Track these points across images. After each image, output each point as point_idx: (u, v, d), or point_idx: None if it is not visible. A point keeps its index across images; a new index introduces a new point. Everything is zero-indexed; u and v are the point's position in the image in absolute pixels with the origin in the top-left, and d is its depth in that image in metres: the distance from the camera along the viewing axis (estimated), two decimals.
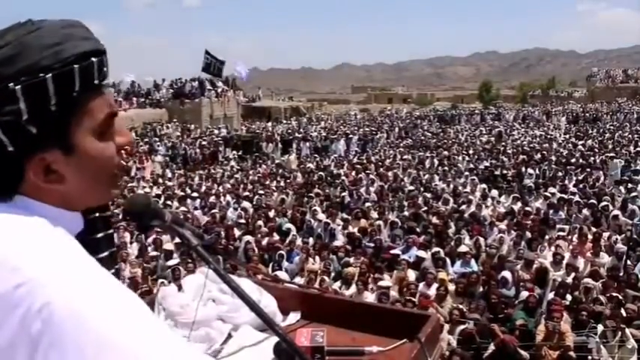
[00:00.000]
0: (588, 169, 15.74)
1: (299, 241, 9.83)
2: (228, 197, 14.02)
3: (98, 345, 0.65)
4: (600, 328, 6.28)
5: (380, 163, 18.27)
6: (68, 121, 0.77)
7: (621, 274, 8.11)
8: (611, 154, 11.92)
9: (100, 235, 1.32)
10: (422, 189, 13.89)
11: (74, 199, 0.82)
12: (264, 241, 9.87)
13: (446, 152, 20.05)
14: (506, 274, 7.95)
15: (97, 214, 1.27)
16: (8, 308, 0.65)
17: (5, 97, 0.71)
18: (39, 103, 0.73)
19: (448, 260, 8.72)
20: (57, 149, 0.77)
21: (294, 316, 1.70)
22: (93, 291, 0.69)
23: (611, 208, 11.33)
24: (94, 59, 0.78)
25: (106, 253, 1.35)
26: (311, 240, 9.91)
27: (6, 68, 0.72)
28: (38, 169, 0.76)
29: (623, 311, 6.60)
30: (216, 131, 26.97)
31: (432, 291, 7.44)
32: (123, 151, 0.88)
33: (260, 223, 10.91)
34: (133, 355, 0.66)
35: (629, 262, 8.38)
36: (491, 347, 6.00)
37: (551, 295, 7.24)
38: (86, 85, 0.77)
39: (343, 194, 13.40)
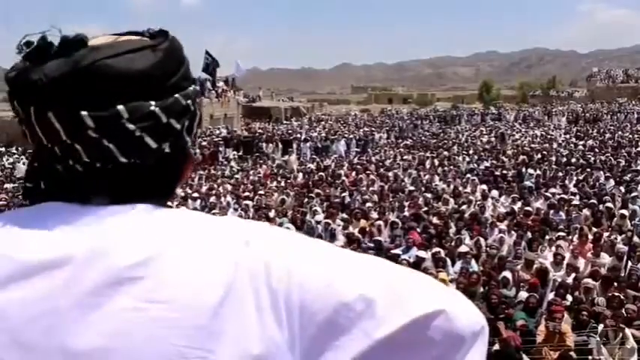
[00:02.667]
0: (588, 170, 15.75)
1: None
2: (229, 197, 14.03)
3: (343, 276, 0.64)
4: (601, 328, 6.28)
5: (380, 164, 18.29)
6: None
7: (622, 274, 8.11)
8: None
9: None
10: (422, 189, 13.90)
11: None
12: None
13: (446, 152, 20.06)
14: (507, 274, 7.96)
15: None
16: (247, 270, 0.62)
17: (191, 102, 0.73)
18: (195, 101, 0.75)
19: (449, 260, 8.73)
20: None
21: None
22: (303, 243, 0.68)
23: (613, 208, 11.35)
24: None
25: None
26: None
27: (191, 72, 0.75)
28: (191, 162, 0.79)
29: (623, 311, 6.60)
30: (216, 131, 26.99)
31: None
32: None
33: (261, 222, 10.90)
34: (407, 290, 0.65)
35: (630, 262, 8.38)
36: (494, 347, 6.00)
37: (551, 296, 7.25)
38: None
39: (343, 194, 13.40)
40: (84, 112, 0.63)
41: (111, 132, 0.64)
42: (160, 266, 0.61)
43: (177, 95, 0.69)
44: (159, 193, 0.72)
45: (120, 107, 0.64)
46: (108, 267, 0.60)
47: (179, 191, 15.29)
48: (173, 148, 0.70)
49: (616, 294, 6.99)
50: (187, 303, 0.60)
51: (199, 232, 0.66)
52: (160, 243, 0.63)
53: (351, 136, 25.64)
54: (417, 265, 8.51)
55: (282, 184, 15.99)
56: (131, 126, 0.64)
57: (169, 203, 0.76)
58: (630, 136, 23.99)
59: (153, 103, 0.66)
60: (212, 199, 13.76)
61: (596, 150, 19.79)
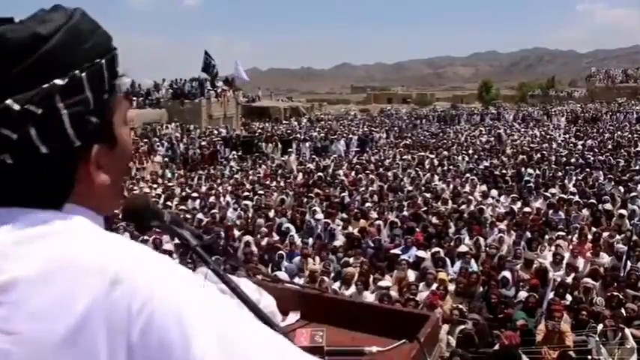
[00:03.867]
0: (588, 169, 15.75)
1: (298, 242, 9.83)
2: (228, 197, 14.03)
3: (202, 336, 0.60)
4: (600, 327, 6.28)
5: (379, 164, 18.28)
6: (113, 111, 0.72)
7: (621, 274, 8.11)
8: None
9: None
10: (422, 189, 13.90)
11: (106, 198, 0.75)
12: (264, 242, 9.87)
13: (445, 152, 20.06)
14: (507, 274, 7.96)
15: None
16: (105, 312, 0.59)
17: (73, 87, 0.65)
18: (98, 90, 0.68)
19: (448, 260, 8.73)
20: (105, 142, 0.71)
21: (293, 316, 1.70)
22: (185, 284, 0.65)
23: (612, 207, 11.36)
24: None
25: None
26: (310, 240, 9.91)
27: (67, 56, 0.65)
28: (93, 166, 0.70)
29: (623, 311, 6.60)
30: (215, 131, 26.97)
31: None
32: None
33: (260, 222, 10.92)
34: (243, 349, 0.63)
35: (629, 262, 8.38)
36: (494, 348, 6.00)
37: (551, 295, 7.25)
38: (117, 71, 0.74)
39: (343, 194, 13.40)
40: None
41: None
42: (18, 294, 0.58)
43: (8, 101, 0.61)
44: (37, 199, 0.66)
45: None
46: None
47: (178, 192, 15.30)
48: (19, 158, 0.63)
49: (615, 293, 6.99)
50: (33, 338, 0.57)
51: (65, 258, 0.61)
52: (22, 265, 0.60)
53: (351, 135, 25.63)
54: (417, 265, 8.52)
55: (282, 183, 15.98)
56: None
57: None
58: (629, 135, 23.99)
59: None
60: (211, 198, 13.75)
61: (596, 150, 19.78)
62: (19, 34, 0.63)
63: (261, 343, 0.65)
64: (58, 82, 0.64)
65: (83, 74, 0.66)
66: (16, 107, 0.61)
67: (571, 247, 9.26)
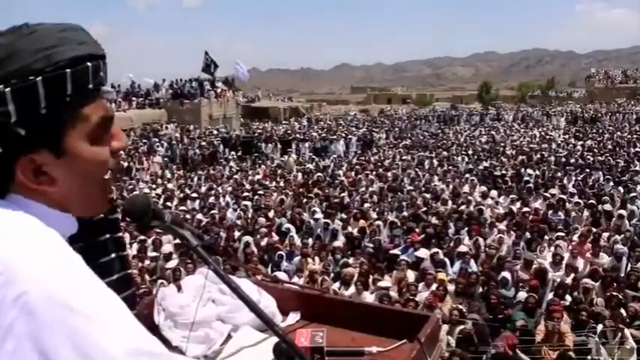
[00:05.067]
0: (587, 170, 15.76)
1: (298, 242, 9.83)
2: (228, 198, 14.02)
3: (73, 331, 0.67)
4: (600, 327, 6.28)
5: (379, 164, 18.28)
6: (60, 125, 0.77)
7: (622, 274, 8.12)
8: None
9: (106, 237, 1.31)
10: (421, 189, 13.90)
11: (67, 201, 0.82)
12: (264, 242, 9.87)
13: (445, 153, 20.07)
14: (506, 274, 7.96)
15: (103, 216, 1.26)
16: None
17: None
18: (29, 105, 0.73)
19: (447, 260, 8.73)
20: (47, 151, 0.77)
21: (293, 317, 1.70)
22: (68, 280, 0.70)
23: (611, 208, 11.36)
24: (89, 64, 0.78)
25: (113, 256, 1.34)
26: (310, 240, 9.92)
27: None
28: (27, 170, 0.77)
29: (623, 311, 6.61)
30: (215, 132, 26.96)
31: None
32: (121, 153, 0.88)
33: (260, 222, 10.92)
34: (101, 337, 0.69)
35: (629, 262, 8.38)
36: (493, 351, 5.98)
37: (550, 296, 7.25)
38: (80, 89, 0.77)
39: (342, 195, 13.40)
40: None
41: None
42: None
43: None
44: None
45: None
46: None
47: (178, 192, 15.30)
48: None
49: (615, 294, 7.00)
50: None
51: None
52: None
53: (350, 136, 25.63)
54: (417, 265, 8.52)
55: (282, 184, 15.99)
56: None
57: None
58: (629, 136, 24.00)
59: None
60: (211, 199, 13.76)
61: (595, 150, 19.80)
62: None
63: (120, 341, 0.70)
64: None
65: (7, 89, 0.72)
66: None
67: (570, 247, 9.26)
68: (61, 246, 0.76)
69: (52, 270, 0.70)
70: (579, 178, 14.76)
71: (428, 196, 12.98)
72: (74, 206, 0.84)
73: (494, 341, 5.95)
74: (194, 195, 14.28)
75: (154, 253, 9.38)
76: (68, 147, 0.78)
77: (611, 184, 13.86)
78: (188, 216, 11.67)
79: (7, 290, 0.66)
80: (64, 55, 0.75)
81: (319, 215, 11.19)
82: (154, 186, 16.66)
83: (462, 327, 6.43)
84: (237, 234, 10.48)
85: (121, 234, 1.39)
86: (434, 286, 7.46)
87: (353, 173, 16.57)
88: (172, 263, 8.52)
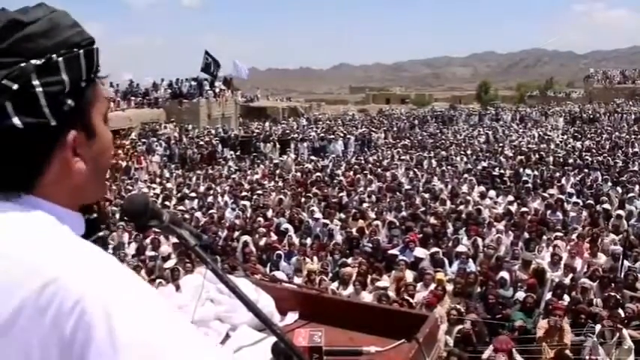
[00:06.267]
0: (586, 170, 15.78)
1: (297, 241, 9.83)
2: (227, 197, 14.02)
3: (131, 340, 0.63)
4: (598, 327, 6.29)
5: (378, 164, 18.28)
6: (91, 102, 0.76)
7: (619, 274, 8.12)
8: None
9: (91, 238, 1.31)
10: (420, 189, 13.90)
11: (85, 187, 0.78)
12: (262, 242, 9.87)
13: (444, 153, 20.07)
14: (505, 274, 7.96)
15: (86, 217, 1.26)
16: (36, 311, 0.62)
17: (49, 68, 0.69)
18: (75, 76, 0.72)
19: (446, 260, 8.73)
20: (82, 131, 0.75)
21: (292, 316, 1.70)
22: (120, 285, 0.67)
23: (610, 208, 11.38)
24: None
25: None
26: (309, 240, 9.91)
27: (45, 40, 0.70)
28: (68, 150, 0.73)
29: (621, 311, 6.61)
30: (214, 131, 26.95)
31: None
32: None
33: (259, 221, 10.92)
34: (161, 351, 0.65)
35: (627, 262, 8.39)
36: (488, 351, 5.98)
37: (549, 296, 7.25)
38: (97, 67, 0.78)
39: (341, 194, 13.40)
40: None
41: None
42: None
43: None
44: (6, 184, 0.70)
45: None
46: None
47: (176, 191, 15.29)
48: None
49: (613, 294, 7.00)
50: None
51: (8, 255, 0.65)
52: None
53: (349, 136, 25.63)
54: (415, 265, 8.52)
55: (280, 183, 15.98)
56: None
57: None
58: (627, 136, 24.03)
59: None
60: (210, 198, 13.75)
61: (594, 150, 19.82)
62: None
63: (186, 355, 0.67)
64: (35, 62, 0.68)
65: (60, 58, 0.70)
66: None
67: (569, 247, 9.27)
68: (93, 247, 0.73)
69: (99, 275, 0.66)
70: (578, 178, 14.77)
71: (426, 196, 12.98)
72: (88, 193, 0.80)
73: (492, 342, 5.96)
74: (192, 194, 14.27)
75: (153, 253, 9.37)
76: (95, 125, 0.77)
77: (610, 184, 13.88)
78: (187, 215, 11.66)
79: (61, 300, 0.62)
80: (88, 34, 0.76)
81: (318, 215, 11.19)
82: (152, 185, 16.64)
83: (460, 327, 6.43)
84: (235, 233, 10.48)
85: (103, 233, 1.39)
86: (432, 286, 7.46)
87: (351, 173, 16.58)
88: (171, 263, 8.52)
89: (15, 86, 0.66)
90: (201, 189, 15.31)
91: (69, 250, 0.68)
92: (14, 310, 0.61)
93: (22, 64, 0.67)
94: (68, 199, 0.76)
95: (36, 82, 0.68)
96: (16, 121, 0.67)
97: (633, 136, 23.83)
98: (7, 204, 0.70)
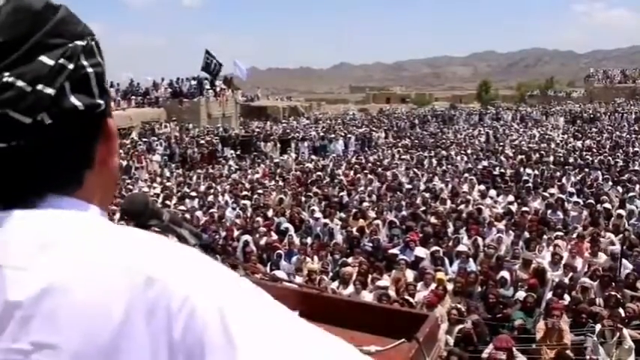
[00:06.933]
0: (586, 169, 15.78)
1: (297, 241, 9.83)
2: (227, 197, 14.02)
3: (250, 337, 0.57)
4: (598, 327, 6.29)
5: (378, 163, 18.29)
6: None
7: (619, 274, 8.12)
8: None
9: None
10: (420, 189, 13.90)
11: (110, 192, 0.73)
12: (263, 241, 9.87)
13: (444, 152, 20.08)
14: (505, 274, 7.96)
15: None
16: (143, 314, 0.56)
17: (91, 50, 0.66)
18: (102, 62, 0.69)
19: (447, 260, 8.73)
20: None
21: None
22: (224, 280, 0.61)
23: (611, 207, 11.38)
24: None
25: None
26: (309, 240, 9.92)
27: (75, 25, 0.67)
28: (111, 143, 0.69)
29: (621, 311, 6.61)
30: (214, 131, 26.97)
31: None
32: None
33: (259, 221, 10.92)
34: (281, 346, 0.58)
35: (627, 261, 8.39)
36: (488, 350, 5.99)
37: (549, 295, 7.25)
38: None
39: (342, 194, 13.41)
40: None
41: None
42: (51, 303, 0.55)
43: (41, 57, 0.61)
44: (61, 179, 0.64)
45: None
46: (1, 301, 0.56)
47: (176, 190, 15.29)
48: (56, 116, 0.61)
49: (613, 293, 7.00)
50: (74, 350, 0.54)
51: (96, 257, 0.58)
52: (52, 271, 0.57)
53: (350, 135, 25.65)
54: (416, 264, 8.52)
55: (281, 183, 15.99)
56: None
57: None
58: (628, 136, 24.05)
59: (7, 73, 0.59)
60: (210, 198, 13.75)
61: (594, 150, 19.82)
62: (36, 1, 0.64)
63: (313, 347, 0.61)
64: (80, 42, 0.65)
65: (92, 42, 0.67)
66: (50, 62, 0.61)
67: (569, 247, 9.27)
68: (178, 244, 0.68)
69: (200, 271, 0.61)
70: (578, 178, 14.77)
71: (427, 195, 12.98)
72: (111, 195, 0.75)
73: (492, 341, 5.95)
74: (193, 194, 14.27)
75: None
76: (109, 117, 0.72)
77: (610, 183, 13.87)
78: (187, 215, 11.67)
79: (168, 301, 0.56)
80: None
81: (318, 214, 11.19)
82: (152, 185, 16.65)
83: (460, 326, 6.44)
84: (236, 233, 10.48)
85: None
86: (433, 286, 7.47)
87: (352, 172, 16.58)
88: None
89: (71, 65, 0.63)
90: (202, 188, 15.32)
91: (157, 247, 0.62)
92: (120, 320, 0.56)
93: (70, 45, 0.64)
94: (99, 200, 0.69)
95: (85, 63, 0.65)
96: (76, 101, 0.63)
97: (634, 136, 23.85)
98: (71, 205, 0.64)
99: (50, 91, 0.60)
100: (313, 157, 21.79)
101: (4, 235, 0.59)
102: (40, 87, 0.60)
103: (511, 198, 12.47)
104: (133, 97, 30.57)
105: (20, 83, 0.59)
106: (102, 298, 0.56)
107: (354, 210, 11.65)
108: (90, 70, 0.65)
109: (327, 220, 10.79)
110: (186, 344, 0.55)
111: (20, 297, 0.55)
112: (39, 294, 0.56)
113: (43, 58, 0.61)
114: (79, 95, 0.63)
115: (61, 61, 0.62)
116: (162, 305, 0.56)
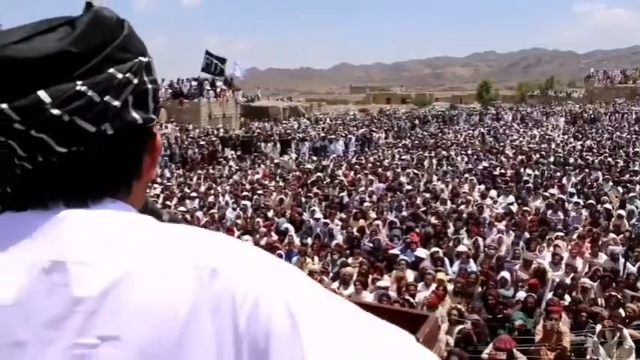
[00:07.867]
0: (587, 170, 15.78)
1: (297, 241, 9.84)
2: (227, 197, 14.03)
3: (318, 329, 0.57)
4: (599, 327, 6.29)
5: (378, 163, 18.29)
6: None
7: (620, 274, 8.12)
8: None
9: None
10: (421, 189, 13.90)
11: (141, 199, 0.74)
12: (263, 241, 9.87)
13: (444, 152, 20.07)
14: (505, 274, 7.96)
15: None
16: (208, 307, 0.57)
17: (149, 67, 0.69)
18: (157, 80, 0.71)
19: (447, 260, 8.73)
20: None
21: None
22: (284, 271, 0.62)
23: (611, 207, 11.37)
24: None
25: None
26: (309, 240, 9.92)
27: (139, 42, 0.69)
28: (155, 154, 0.72)
29: (622, 311, 6.61)
30: (215, 131, 26.97)
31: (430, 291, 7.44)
32: None
33: (259, 222, 10.93)
34: (349, 339, 0.58)
35: (628, 262, 8.38)
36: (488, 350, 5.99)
37: (550, 296, 7.25)
38: None
39: (342, 194, 13.41)
40: (3, 105, 0.57)
41: (36, 121, 0.58)
42: (117, 297, 0.56)
43: (111, 70, 0.63)
44: (115, 186, 0.67)
45: (40, 92, 0.58)
46: (66, 296, 0.56)
47: (177, 191, 15.29)
48: (118, 128, 0.64)
49: (613, 294, 7.00)
50: (140, 343, 0.55)
51: (159, 252, 0.60)
52: (117, 267, 0.58)
53: (350, 135, 25.65)
54: (416, 264, 8.52)
55: (281, 183, 15.99)
56: (56, 111, 0.59)
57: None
58: (628, 136, 24.05)
59: (79, 82, 0.60)
60: (210, 198, 13.76)
61: (594, 150, 19.82)
62: (111, 15, 0.67)
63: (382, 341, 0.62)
64: (143, 59, 0.68)
65: (151, 59, 0.70)
66: (119, 75, 0.64)
67: (570, 247, 9.27)
68: (231, 238, 0.69)
69: (261, 263, 0.62)
70: (578, 178, 14.77)
71: (427, 195, 12.98)
72: (142, 200, 0.76)
73: (493, 342, 5.95)
74: (193, 194, 14.27)
75: None
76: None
77: (610, 183, 13.87)
78: (187, 215, 11.67)
79: (233, 292, 0.57)
80: None
81: (319, 215, 11.20)
82: (153, 185, 16.64)
83: (461, 327, 6.43)
84: (236, 233, 10.49)
85: None
86: (433, 286, 7.47)
87: (352, 173, 16.58)
88: None
89: (135, 80, 0.65)
90: (202, 189, 15.31)
91: (215, 241, 0.63)
92: (186, 316, 0.56)
93: (136, 60, 0.66)
94: (137, 207, 0.71)
95: (146, 79, 0.67)
96: (136, 115, 0.66)
97: (634, 136, 23.85)
98: (124, 207, 0.66)
99: (117, 103, 0.63)
100: (313, 157, 21.77)
101: (66, 233, 0.60)
102: (107, 98, 0.62)
103: (511, 198, 12.47)
104: None
105: (91, 93, 0.61)
106: (169, 294, 0.57)
107: (354, 210, 11.65)
108: (149, 86, 0.68)
109: (327, 221, 10.79)
110: (250, 333, 0.56)
111: (86, 292, 0.56)
112: (105, 289, 0.57)
113: (113, 71, 0.63)
114: (138, 110, 0.66)
115: (128, 75, 0.65)
116: (228, 297, 0.57)
